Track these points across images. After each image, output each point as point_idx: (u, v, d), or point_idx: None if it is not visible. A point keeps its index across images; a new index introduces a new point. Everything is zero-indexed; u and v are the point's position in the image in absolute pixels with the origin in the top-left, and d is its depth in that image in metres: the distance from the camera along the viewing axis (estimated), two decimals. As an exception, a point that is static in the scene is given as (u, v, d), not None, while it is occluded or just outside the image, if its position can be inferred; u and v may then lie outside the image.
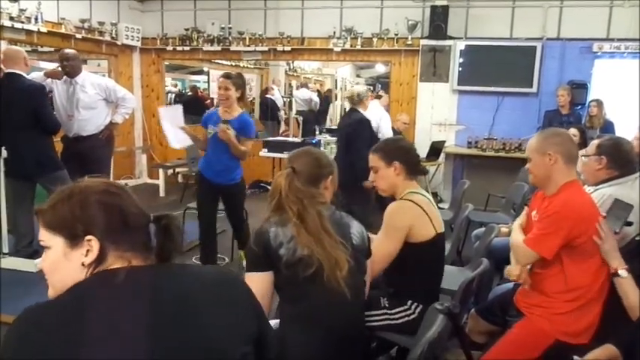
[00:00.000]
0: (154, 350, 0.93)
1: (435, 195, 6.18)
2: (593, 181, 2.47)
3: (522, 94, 6.35)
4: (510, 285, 2.53)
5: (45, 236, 1.04)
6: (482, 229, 3.49)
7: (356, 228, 1.85)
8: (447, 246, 3.47)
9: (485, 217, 4.52)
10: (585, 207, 2.02)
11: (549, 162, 2.04)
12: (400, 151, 2.26)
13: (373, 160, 2.27)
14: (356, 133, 4.36)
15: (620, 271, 1.93)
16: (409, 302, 2.17)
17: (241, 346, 1.03)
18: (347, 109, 5.15)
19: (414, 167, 2.26)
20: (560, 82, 6.10)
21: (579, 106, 6.03)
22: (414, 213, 2.14)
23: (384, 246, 2.13)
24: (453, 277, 2.46)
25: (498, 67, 6.33)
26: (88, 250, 1.01)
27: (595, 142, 2.50)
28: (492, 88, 6.39)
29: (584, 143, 4.45)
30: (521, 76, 6.29)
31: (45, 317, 0.94)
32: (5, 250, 3.99)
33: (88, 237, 1.00)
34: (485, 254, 2.75)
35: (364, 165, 2.40)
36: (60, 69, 4.41)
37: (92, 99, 4.40)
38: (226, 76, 3.69)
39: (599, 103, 5.67)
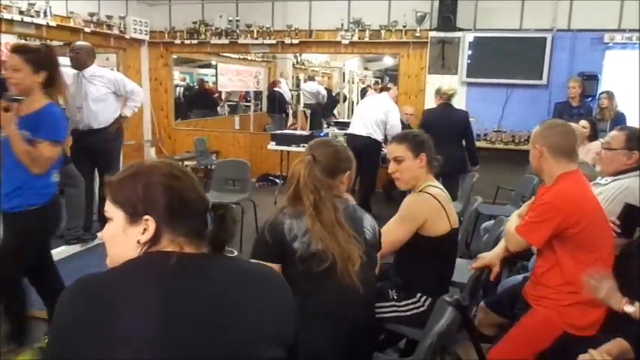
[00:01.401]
0: (193, 337, 0.94)
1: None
2: (611, 171, 2.44)
3: (532, 86, 6.29)
4: (519, 277, 2.54)
5: (109, 207, 1.08)
6: (492, 222, 3.48)
7: (369, 222, 1.85)
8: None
9: (495, 209, 4.51)
10: (579, 197, 2.01)
11: (537, 154, 2.08)
12: (427, 143, 2.27)
13: (399, 150, 2.24)
14: None
15: (626, 308, 1.72)
16: (418, 295, 2.17)
17: (278, 348, 1.03)
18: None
19: (433, 161, 2.28)
20: (571, 73, 6.04)
21: (590, 98, 5.97)
22: (432, 207, 2.15)
23: (394, 233, 2.15)
24: (462, 269, 2.46)
25: (508, 58, 6.27)
26: (144, 229, 1.03)
27: (619, 134, 2.43)
28: (501, 80, 6.34)
29: (594, 135, 4.42)
30: (530, 68, 6.23)
31: (92, 288, 0.98)
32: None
33: (146, 217, 1.03)
34: (494, 247, 2.74)
35: None
36: None
37: (101, 92, 4.41)
38: (17, 49, 2.50)
39: (609, 95, 5.60)
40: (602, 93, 5.71)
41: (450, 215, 2.18)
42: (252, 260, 1.69)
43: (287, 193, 1.76)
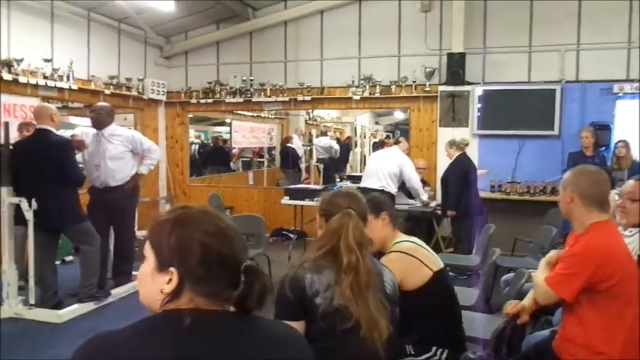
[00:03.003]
0: None
1: (458, 241, 6.06)
2: (638, 223, 2.39)
3: (544, 136, 6.31)
4: (546, 333, 2.43)
5: (146, 246, 1.06)
6: (512, 274, 3.39)
7: (388, 276, 1.81)
8: (475, 292, 3.39)
9: (513, 262, 4.39)
10: (612, 249, 1.93)
11: (567, 199, 2.03)
12: (385, 203, 2.29)
13: None
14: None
15: None
16: (434, 348, 2.13)
17: None
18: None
19: (395, 217, 2.30)
20: (583, 123, 6.06)
21: (603, 148, 5.95)
22: (403, 263, 2.15)
23: None
24: (483, 325, 2.37)
25: (518, 110, 6.33)
26: (169, 280, 1.01)
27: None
28: (513, 132, 6.37)
29: (611, 185, 4.36)
30: (541, 119, 6.27)
31: (102, 347, 0.97)
32: (32, 301, 4.01)
33: (172, 269, 1.00)
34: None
35: None
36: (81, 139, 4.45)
37: (118, 150, 4.52)
38: None
39: (626, 144, 5.58)
40: (618, 142, 5.69)
41: (426, 262, 2.17)
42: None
43: (320, 249, 1.65)
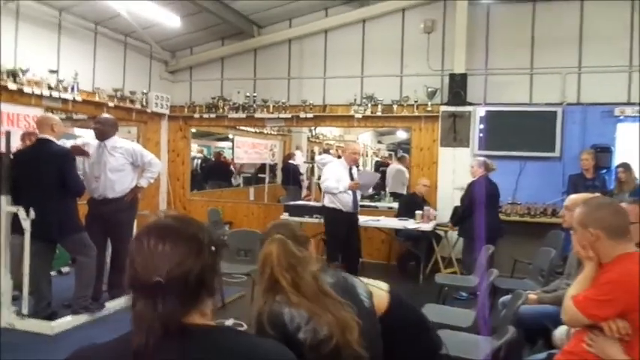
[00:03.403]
0: None
1: (458, 261, 6.02)
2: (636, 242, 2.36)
3: (545, 158, 6.31)
4: (543, 355, 2.39)
5: None
6: (509, 296, 3.35)
7: (361, 288, 1.75)
8: (472, 314, 3.35)
9: (512, 283, 4.35)
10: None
11: (592, 239, 1.95)
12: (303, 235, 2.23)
13: None
14: None
15: None
16: None
17: None
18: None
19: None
20: (584, 146, 6.06)
21: (604, 170, 5.94)
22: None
23: None
24: (478, 346, 2.33)
25: (519, 132, 6.35)
26: None
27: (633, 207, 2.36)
28: (514, 153, 6.38)
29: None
30: (542, 141, 6.28)
31: (94, 357, 0.99)
32: (25, 311, 3.98)
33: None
34: (514, 322, 2.62)
35: None
36: (84, 146, 4.54)
37: (119, 162, 4.53)
38: None
39: (626, 168, 5.56)
40: (618, 166, 5.67)
41: (374, 284, 2.03)
42: None
43: (262, 284, 1.62)
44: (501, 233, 5.33)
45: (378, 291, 1.94)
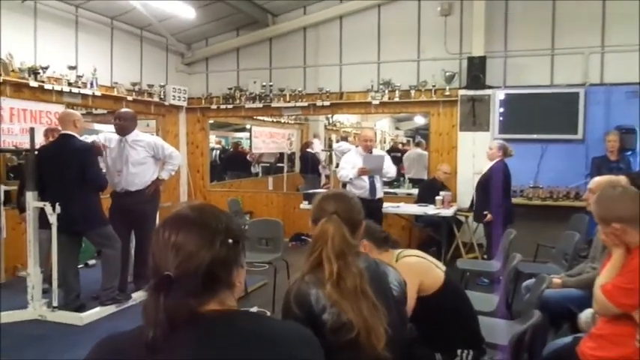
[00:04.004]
0: None
1: (480, 246, 5.98)
2: None
3: (567, 140, 6.19)
4: (568, 339, 2.37)
5: None
6: (533, 280, 3.32)
7: (393, 276, 1.72)
8: (496, 298, 3.33)
9: (535, 268, 4.31)
10: None
11: (618, 232, 1.93)
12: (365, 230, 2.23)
13: None
14: None
15: None
16: (459, 351, 2.15)
17: None
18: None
19: (382, 242, 2.30)
20: (607, 127, 5.93)
21: (629, 152, 5.81)
22: (420, 267, 2.21)
23: None
24: (503, 331, 2.33)
25: (540, 114, 6.23)
26: None
27: None
28: (535, 136, 6.27)
29: None
30: (565, 123, 6.16)
31: (120, 343, 1.00)
32: (55, 303, 4.09)
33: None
34: (538, 306, 2.60)
35: None
36: (101, 144, 4.58)
37: (141, 156, 4.59)
38: None
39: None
40: (643, 147, 5.54)
41: (436, 264, 2.26)
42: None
43: (309, 258, 1.59)
44: (512, 219, 5.26)
45: (435, 269, 2.21)
